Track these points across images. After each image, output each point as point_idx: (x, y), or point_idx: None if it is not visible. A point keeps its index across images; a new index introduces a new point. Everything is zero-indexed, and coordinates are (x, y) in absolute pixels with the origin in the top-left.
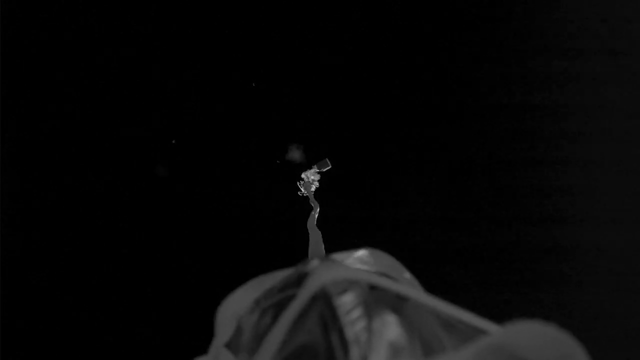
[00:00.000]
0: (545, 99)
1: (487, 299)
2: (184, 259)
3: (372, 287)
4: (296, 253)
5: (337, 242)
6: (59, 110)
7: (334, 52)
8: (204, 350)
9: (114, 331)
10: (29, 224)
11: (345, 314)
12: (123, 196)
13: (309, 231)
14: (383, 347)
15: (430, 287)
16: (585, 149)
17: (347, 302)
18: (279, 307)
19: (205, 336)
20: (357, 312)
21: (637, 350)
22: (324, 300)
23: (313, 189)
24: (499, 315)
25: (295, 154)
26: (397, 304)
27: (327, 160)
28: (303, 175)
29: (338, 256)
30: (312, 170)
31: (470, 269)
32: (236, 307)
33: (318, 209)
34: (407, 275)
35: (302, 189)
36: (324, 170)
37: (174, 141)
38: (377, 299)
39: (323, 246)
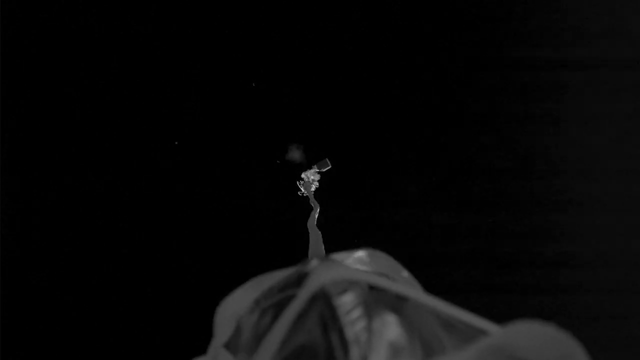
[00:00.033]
0: (546, 99)
1: (487, 299)
2: (184, 259)
3: (372, 287)
4: (296, 253)
5: (337, 242)
6: (59, 110)
7: (334, 52)
8: (203, 350)
9: (113, 331)
10: (29, 224)
11: (345, 314)
12: (123, 196)
13: (309, 231)
14: (383, 347)
15: (430, 287)
16: (586, 152)
17: (347, 302)
18: (279, 307)
19: (204, 336)
20: (357, 312)
21: (637, 350)
22: (323, 300)
23: (313, 188)
24: (499, 315)
25: (295, 154)
26: (397, 304)
27: (327, 160)
28: (303, 175)
29: (338, 256)
30: (312, 170)
31: (471, 269)
32: (235, 307)
33: (318, 209)
34: (405, 274)
35: (302, 189)
36: (324, 170)
37: (176, 142)
38: (377, 299)
39: (323, 246)
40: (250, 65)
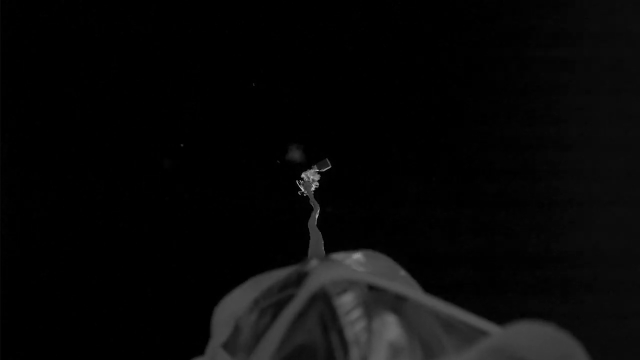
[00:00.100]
0: (546, 98)
1: (487, 299)
2: (183, 259)
3: (371, 288)
4: (296, 253)
5: (337, 242)
6: (59, 110)
7: (334, 52)
8: (201, 350)
9: (113, 331)
10: (29, 224)
11: (345, 315)
12: (123, 196)
13: (310, 231)
14: (383, 347)
15: (430, 287)
16: (586, 152)
17: (347, 303)
18: (278, 307)
19: (203, 336)
20: (357, 313)
21: (637, 350)
22: (323, 301)
23: (313, 188)
24: (499, 315)
25: (295, 154)
26: (397, 304)
27: (327, 160)
28: (303, 175)
29: (337, 256)
30: (312, 170)
31: (471, 268)
32: (234, 307)
33: (318, 209)
34: (404, 275)
35: (302, 189)
36: (324, 170)
37: (182, 145)
38: (376, 299)
39: (323, 246)
40: (250, 65)
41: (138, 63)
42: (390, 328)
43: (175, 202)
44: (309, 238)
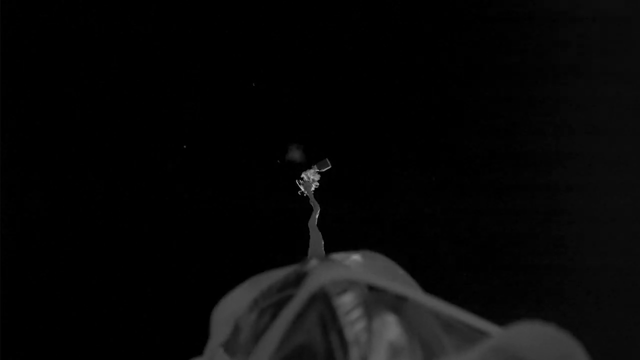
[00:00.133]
0: (546, 98)
1: (487, 300)
2: (183, 259)
3: (371, 288)
4: (296, 253)
5: (337, 242)
6: (59, 110)
7: (334, 52)
8: (201, 351)
9: (113, 331)
10: (29, 224)
11: (345, 315)
12: (122, 196)
13: (310, 231)
14: (383, 347)
15: (430, 287)
16: (587, 153)
17: (346, 303)
18: (278, 307)
19: (203, 336)
20: (357, 313)
21: (637, 351)
22: (323, 301)
23: (313, 188)
24: (499, 317)
25: (295, 154)
26: (397, 304)
27: (327, 160)
28: (303, 175)
29: (336, 257)
30: (312, 170)
31: (471, 269)
32: (233, 307)
33: (318, 210)
34: (402, 273)
35: (302, 188)
36: (324, 170)
37: (185, 146)
38: (376, 299)
39: (323, 246)
40: (250, 65)
41: (138, 63)
42: (390, 328)
43: (175, 202)
44: (309, 238)
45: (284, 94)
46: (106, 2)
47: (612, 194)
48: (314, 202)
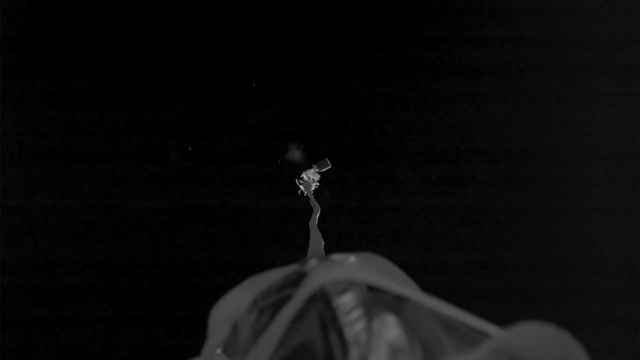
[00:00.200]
0: (546, 95)
1: (487, 300)
2: (184, 259)
3: (371, 288)
4: (296, 253)
5: (337, 242)
6: (59, 110)
7: (334, 52)
8: (198, 351)
9: (112, 331)
10: (29, 224)
11: (345, 315)
12: (123, 196)
13: (311, 231)
14: (383, 347)
15: (430, 287)
16: (587, 154)
17: (346, 303)
18: (277, 307)
19: (203, 337)
20: (356, 313)
21: (637, 351)
22: (323, 301)
23: (313, 188)
24: (498, 317)
25: (295, 154)
26: (397, 304)
27: (327, 160)
28: (303, 175)
29: (336, 257)
30: (312, 170)
31: (471, 269)
32: (231, 308)
33: (319, 210)
34: (401, 274)
35: (302, 188)
36: (324, 170)
37: (190, 148)
38: (376, 299)
39: (323, 246)
40: (250, 65)
41: (138, 63)
42: (390, 328)
43: (175, 202)
44: (309, 238)
45: (284, 94)
46: (106, 2)
47: (612, 192)
48: (314, 203)
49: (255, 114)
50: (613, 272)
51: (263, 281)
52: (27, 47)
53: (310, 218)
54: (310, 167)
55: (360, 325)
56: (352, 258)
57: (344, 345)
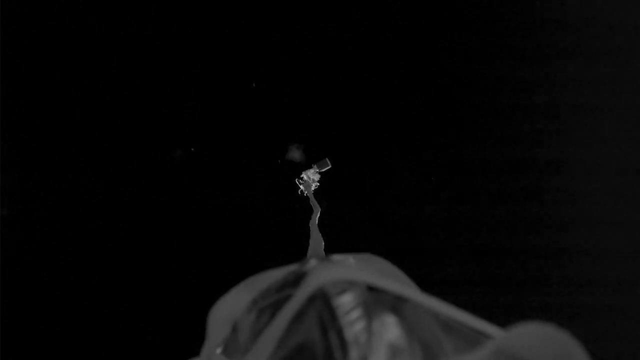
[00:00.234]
0: (546, 99)
1: (487, 297)
2: (183, 259)
3: (371, 288)
4: (296, 253)
5: (337, 242)
6: (59, 110)
7: (334, 52)
8: (197, 352)
9: (111, 330)
10: (29, 224)
11: (345, 315)
12: (122, 196)
13: (311, 231)
14: (383, 348)
15: (430, 286)
16: (587, 150)
17: (346, 303)
18: (277, 307)
19: (202, 337)
20: (356, 313)
21: (637, 344)
22: (322, 301)
23: (313, 188)
24: (498, 314)
25: (295, 154)
26: (396, 305)
27: (327, 160)
28: (303, 175)
29: (336, 257)
30: (312, 170)
31: (471, 268)
32: (229, 308)
33: (319, 210)
34: (400, 275)
35: (302, 188)
36: (324, 170)
37: (192, 149)
38: (376, 300)
39: (323, 247)
40: (250, 65)
41: (138, 63)
42: (390, 329)
43: (175, 202)
44: (309, 238)
45: (284, 94)
46: (106, 2)
47: (612, 198)
48: (314, 203)
49: (255, 113)
50: (619, 261)
51: (262, 281)
52: (28, 47)
53: (310, 218)
54: (310, 167)
55: (360, 326)
56: (350, 259)
57: (343, 345)
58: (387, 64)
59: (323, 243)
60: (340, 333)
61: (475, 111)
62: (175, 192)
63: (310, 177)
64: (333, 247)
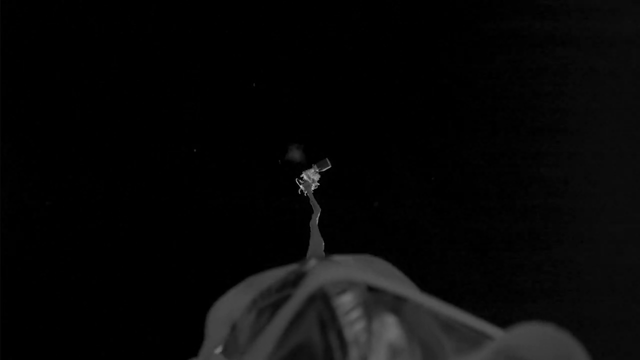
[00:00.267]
0: (545, 98)
1: (486, 300)
2: (183, 259)
3: (371, 289)
4: (296, 253)
5: (337, 242)
6: (59, 110)
7: (334, 52)
8: (195, 352)
9: (111, 330)
10: (29, 224)
11: (345, 315)
12: (122, 196)
13: (311, 231)
14: (383, 348)
15: (430, 286)
16: (587, 152)
17: (346, 303)
18: (277, 307)
19: (200, 337)
20: (356, 313)
21: (637, 351)
22: (322, 300)
23: (313, 188)
24: (498, 316)
25: (295, 154)
26: (396, 305)
27: (327, 160)
28: (303, 174)
29: (336, 258)
30: (312, 170)
31: (470, 268)
32: (228, 308)
33: (319, 211)
34: (400, 275)
35: (301, 187)
36: (324, 170)
37: (195, 150)
38: (376, 300)
39: (323, 247)
40: (250, 65)
41: (138, 63)
42: (390, 329)
43: (175, 202)
44: (309, 238)
45: (284, 94)
46: (106, 2)
47: (612, 192)
48: (314, 203)
49: (255, 113)
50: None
51: (262, 281)
52: (28, 47)
53: (310, 218)
54: (310, 167)
55: (359, 326)
56: (351, 259)
57: (343, 345)
58: (387, 64)
59: (323, 243)
60: (340, 333)
61: (475, 111)
62: (175, 192)
63: (310, 177)
64: (333, 247)
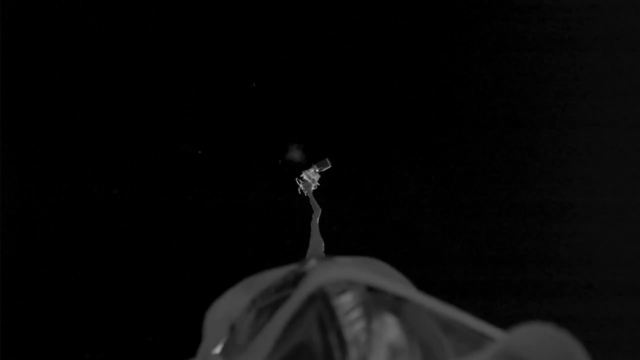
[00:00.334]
0: (545, 97)
1: (487, 300)
2: (183, 259)
3: (370, 289)
4: (296, 253)
5: (338, 242)
6: (59, 110)
7: (334, 52)
8: (193, 353)
9: (111, 330)
10: (29, 224)
11: (344, 315)
12: (122, 196)
13: (312, 231)
14: (382, 348)
15: (430, 287)
16: (587, 154)
17: (346, 303)
18: (276, 307)
19: (199, 337)
20: (356, 313)
21: (638, 352)
22: (322, 300)
23: (313, 188)
24: (498, 317)
25: (295, 154)
26: (396, 305)
27: (327, 160)
28: (303, 174)
29: (336, 259)
30: (312, 170)
31: (471, 269)
32: (227, 309)
33: (320, 211)
34: (400, 276)
35: (301, 187)
36: (324, 170)
37: (200, 152)
38: (376, 300)
39: (323, 247)
40: (250, 65)
41: (138, 63)
42: (390, 329)
43: (174, 202)
44: (309, 238)
45: (284, 94)
46: (106, 2)
47: (615, 189)
48: (314, 203)
49: (255, 113)
50: (616, 270)
51: (261, 281)
52: (28, 47)
53: (310, 218)
54: (310, 167)
55: (359, 326)
56: (350, 261)
57: (343, 345)
58: (387, 64)
59: (323, 243)
60: (339, 333)
61: (475, 111)
62: (175, 192)
63: (310, 177)
64: (333, 247)
